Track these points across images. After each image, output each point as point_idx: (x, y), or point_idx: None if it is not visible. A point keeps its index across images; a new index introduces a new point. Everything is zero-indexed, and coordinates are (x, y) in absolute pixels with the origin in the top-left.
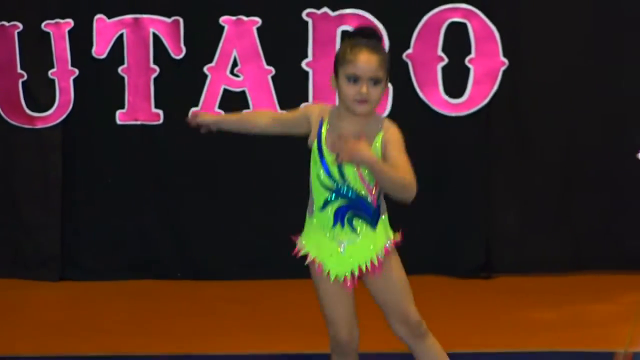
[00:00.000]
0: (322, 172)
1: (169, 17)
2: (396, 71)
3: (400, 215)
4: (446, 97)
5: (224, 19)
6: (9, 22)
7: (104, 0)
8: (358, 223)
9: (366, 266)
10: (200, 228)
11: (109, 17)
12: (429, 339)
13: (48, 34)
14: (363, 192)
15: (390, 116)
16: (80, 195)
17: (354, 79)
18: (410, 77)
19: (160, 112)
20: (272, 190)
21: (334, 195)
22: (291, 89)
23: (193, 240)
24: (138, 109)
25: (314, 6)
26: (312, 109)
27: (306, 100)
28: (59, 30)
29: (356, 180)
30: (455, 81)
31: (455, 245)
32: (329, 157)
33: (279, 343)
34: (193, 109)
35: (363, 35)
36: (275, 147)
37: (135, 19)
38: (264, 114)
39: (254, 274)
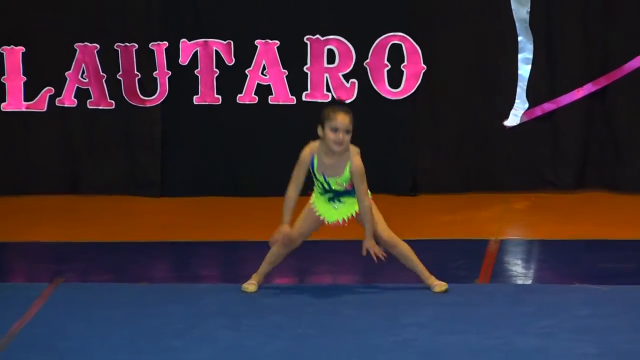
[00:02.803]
0: (318, 184)
1: (225, 40)
2: (360, 73)
3: (362, 155)
4: (390, 88)
5: (257, 41)
6: (130, 43)
7: (186, 30)
8: (343, 198)
9: (349, 216)
10: (247, 164)
11: (189, 40)
12: (397, 247)
13: (153, 50)
14: (342, 189)
15: (355, 101)
16: (172, 145)
17: (335, 130)
18: (368, 76)
19: (220, 97)
20: (290, 138)
21: (327, 192)
22: (297, 84)
23: (242, 172)
24: (206, 95)
25: (310, 33)
26: (305, 154)
27: (306, 89)
28: (159, 48)
29: (337, 186)
30: (395, 79)
31: (394, 175)
32: (320, 177)
33: None
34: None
35: (339, 104)
36: (296, 110)
37: (205, 41)
38: (292, 190)
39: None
